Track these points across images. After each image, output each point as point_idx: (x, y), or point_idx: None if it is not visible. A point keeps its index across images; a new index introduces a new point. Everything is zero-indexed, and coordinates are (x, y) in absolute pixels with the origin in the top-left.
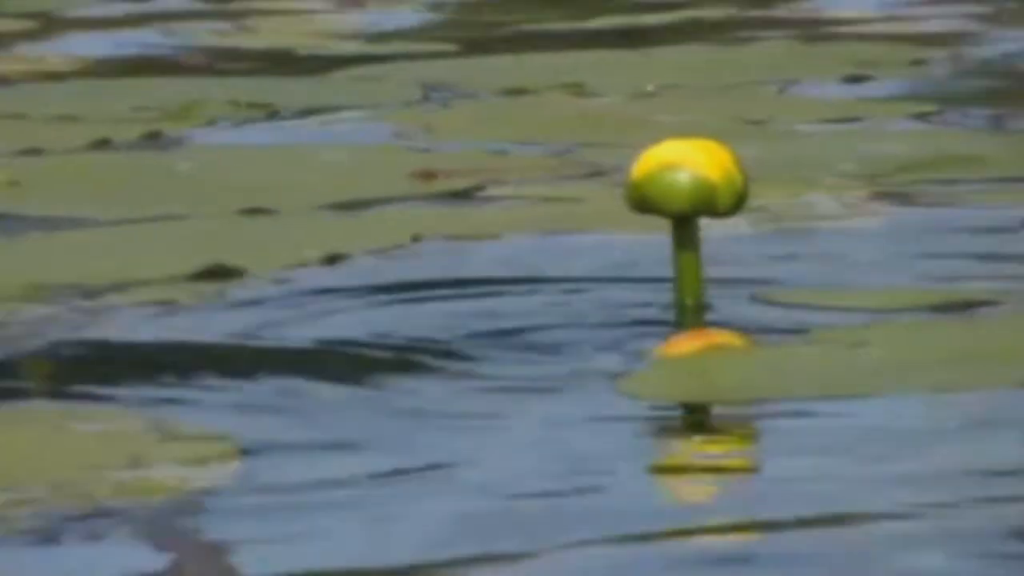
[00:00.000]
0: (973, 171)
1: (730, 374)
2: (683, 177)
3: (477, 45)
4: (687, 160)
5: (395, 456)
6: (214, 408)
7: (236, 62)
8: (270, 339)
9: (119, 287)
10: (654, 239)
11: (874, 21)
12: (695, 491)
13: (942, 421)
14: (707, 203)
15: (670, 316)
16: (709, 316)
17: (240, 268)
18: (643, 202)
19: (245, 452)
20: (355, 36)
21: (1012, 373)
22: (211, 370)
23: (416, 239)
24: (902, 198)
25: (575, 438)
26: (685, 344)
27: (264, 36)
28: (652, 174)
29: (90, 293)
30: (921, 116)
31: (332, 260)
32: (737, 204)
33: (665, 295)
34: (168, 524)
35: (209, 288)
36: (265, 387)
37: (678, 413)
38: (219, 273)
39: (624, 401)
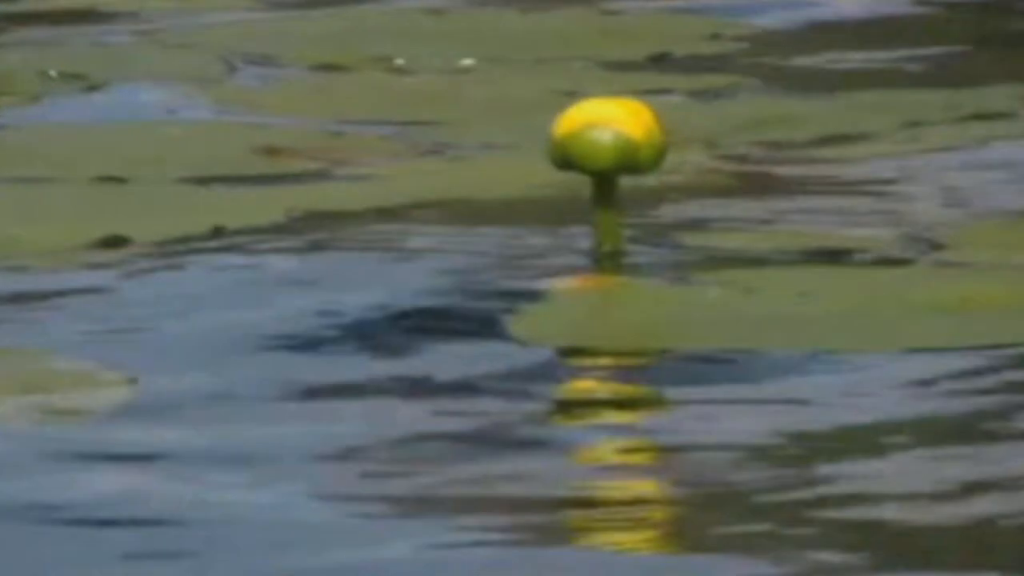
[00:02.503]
0: (802, 130)
1: (623, 316)
2: (606, 135)
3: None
4: (610, 118)
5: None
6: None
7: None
8: None
9: (11, 255)
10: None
11: None
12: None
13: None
14: (629, 161)
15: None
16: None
17: (132, 238)
18: (566, 160)
19: None
20: None
21: (899, 331)
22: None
23: (290, 212)
24: (743, 159)
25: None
26: (574, 284)
27: None
28: (575, 132)
29: None
30: (729, 87)
31: (217, 232)
32: (658, 162)
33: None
34: None
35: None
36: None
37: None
38: (115, 242)
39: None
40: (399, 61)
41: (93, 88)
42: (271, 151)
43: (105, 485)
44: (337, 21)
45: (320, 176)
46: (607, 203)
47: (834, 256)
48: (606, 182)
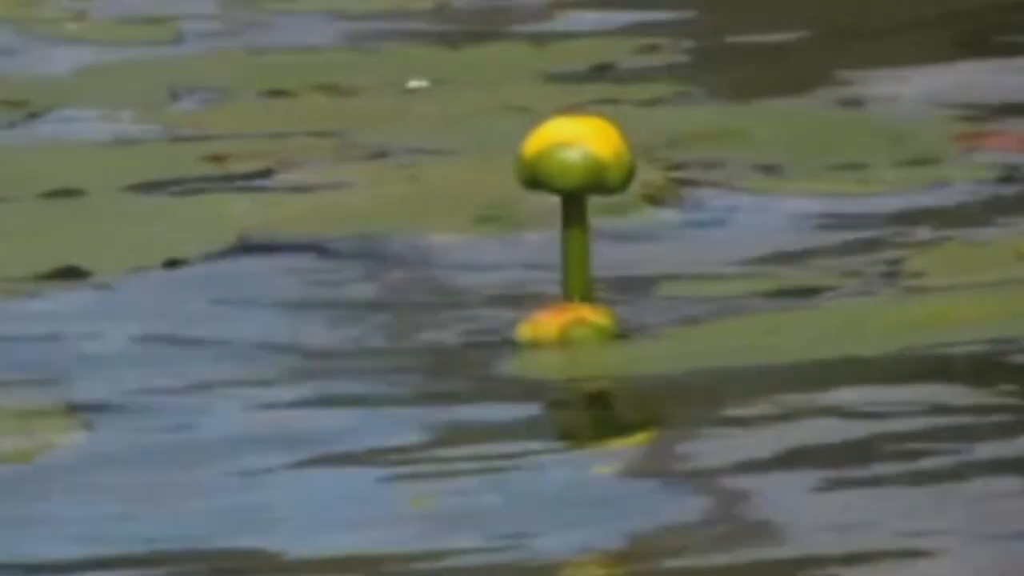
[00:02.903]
0: (742, 146)
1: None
2: (575, 155)
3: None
4: (578, 138)
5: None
6: None
7: None
8: None
9: None
10: None
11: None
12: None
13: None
14: (598, 180)
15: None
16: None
17: (88, 269)
18: (535, 179)
19: None
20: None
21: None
22: None
23: (242, 238)
24: (691, 183)
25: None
26: (550, 320)
27: None
28: (544, 151)
29: None
30: (677, 96)
31: (172, 264)
32: (626, 181)
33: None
34: None
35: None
36: None
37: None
38: (69, 273)
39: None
40: (346, 86)
41: (35, 115)
42: (217, 158)
43: None
44: (275, 57)
45: (267, 185)
46: (576, 222)
47: (799, 296)
48: (575, 201)
